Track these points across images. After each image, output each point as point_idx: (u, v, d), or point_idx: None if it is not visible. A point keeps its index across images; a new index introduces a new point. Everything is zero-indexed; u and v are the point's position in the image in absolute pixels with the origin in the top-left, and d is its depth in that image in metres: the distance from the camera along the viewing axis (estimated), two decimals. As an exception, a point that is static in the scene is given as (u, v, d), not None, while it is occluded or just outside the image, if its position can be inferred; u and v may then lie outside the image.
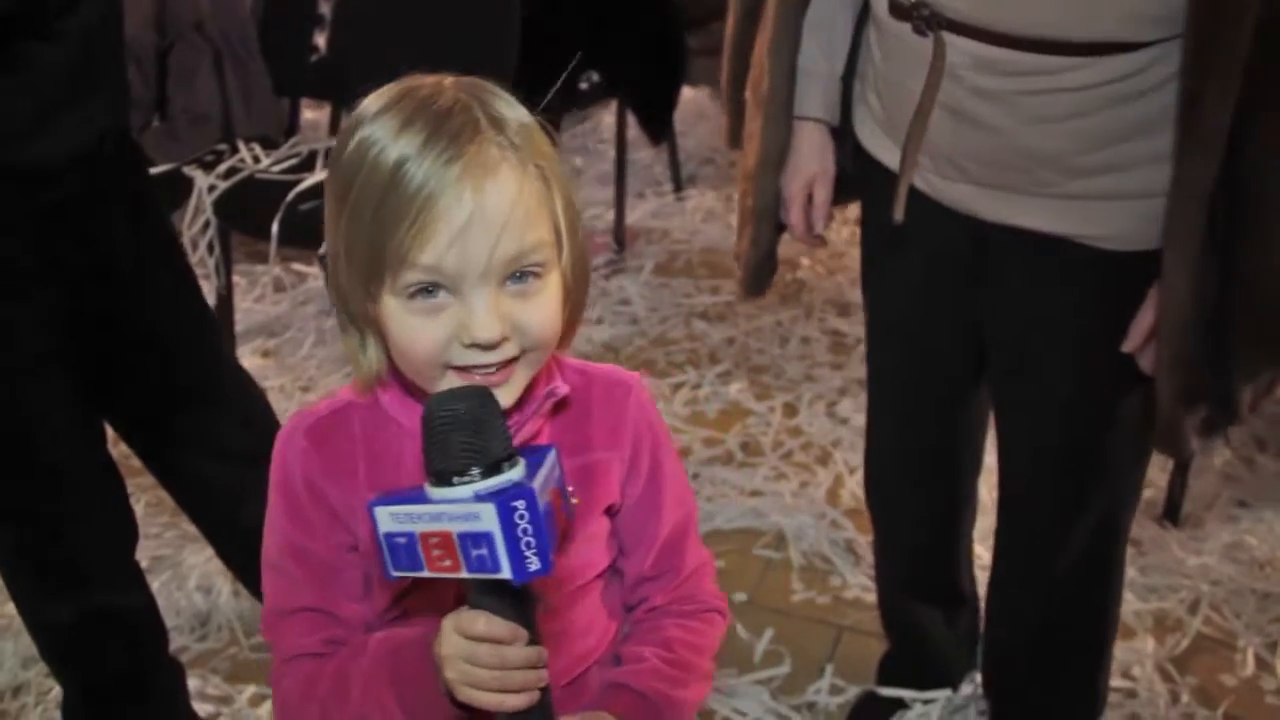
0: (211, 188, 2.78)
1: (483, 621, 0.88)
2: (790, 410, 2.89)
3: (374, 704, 0.97)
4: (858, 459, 2.65)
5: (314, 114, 4.09)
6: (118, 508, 1.73)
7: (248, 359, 3.03)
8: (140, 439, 1.82)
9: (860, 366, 3.03)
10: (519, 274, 0.92)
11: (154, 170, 2.80)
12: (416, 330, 0.92)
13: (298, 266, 3.45)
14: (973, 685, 1.98)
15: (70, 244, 1.56)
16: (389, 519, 0.86)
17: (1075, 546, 1.65)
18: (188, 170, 2.84)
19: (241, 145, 2.93)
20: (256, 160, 2.88)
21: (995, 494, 1.76)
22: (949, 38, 1.36)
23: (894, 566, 1.93)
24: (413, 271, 0.90)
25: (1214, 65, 1.25)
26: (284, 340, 3.17)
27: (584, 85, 3.45)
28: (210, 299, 2.88)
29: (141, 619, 1.78)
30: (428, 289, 0.91)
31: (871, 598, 2.22)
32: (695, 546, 1.14)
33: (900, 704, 1.96)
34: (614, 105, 3.71)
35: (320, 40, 3.36)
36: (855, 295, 3.42)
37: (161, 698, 1.83)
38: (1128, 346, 1.45)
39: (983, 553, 2.03)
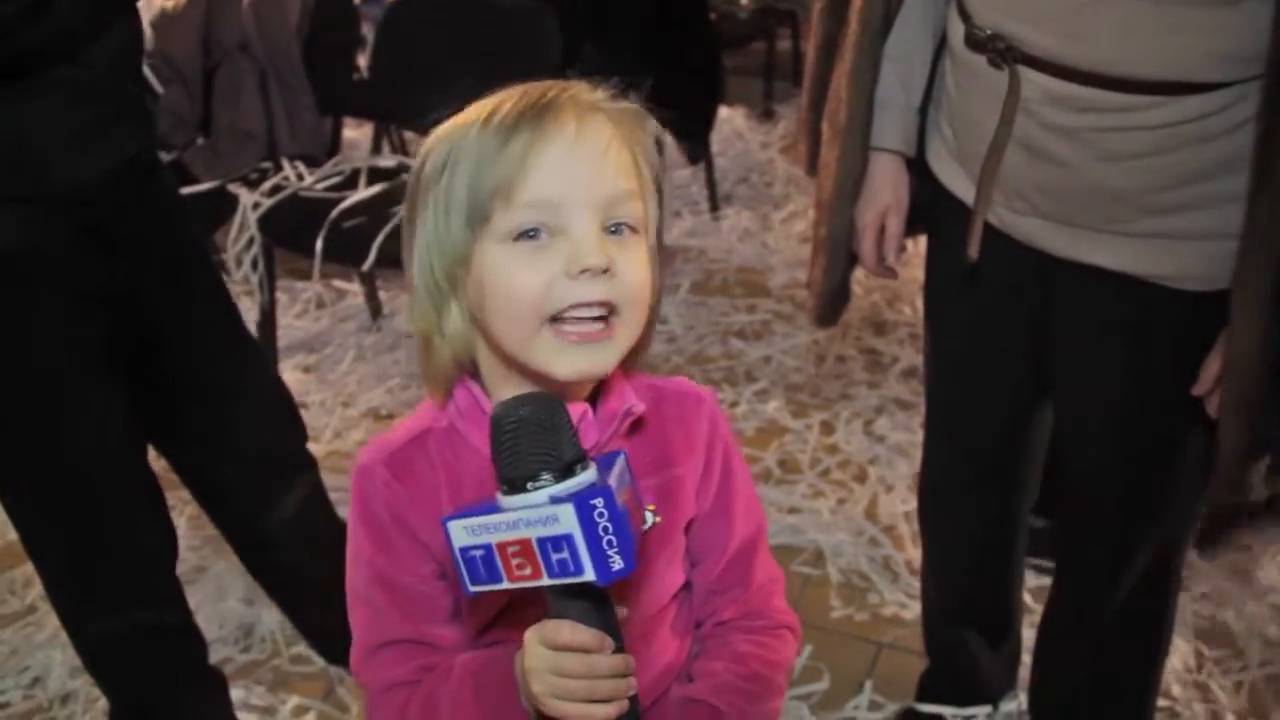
0: (256, 205, 2.82)
1: (567, 630, 0.86)
2: (827, 428, 2.90)
3: None
4: (895, 476, 2.66)
5: (354, 133, 4.14)
6: (159, 523, 1.75)
7: (289, 374, 3.07)
8: (162, 440, 1.83)
9: (897, 385, 3.05)
10: (615, 225, 0.94)
11: (199, 188, 2.87)
12: (521, 271, 0.92)
13: (339, 283, 3.49)
14: (1014, 703, 1.98)
15: (104, 263, 1.58)
16: (464, 533, 0.85)
17: (1130, 578, 1.65)
18: (232, 188, 2.88)
19: (285, 163, 2.97)
20: (300, 178, 2.91)
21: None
22: (1024, 72, 1.35)
23: (942, 591, 1.93)
24: (518, 209, 0.91)
25: None
26: (324, 356, 3.21)
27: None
28: (253, 315, 2.94)
29: (183, 631, 1.80)
30: (530, 232, 0.92)
31: (909, 615, 2.22)
32: (765, 561, 1.13)
33: (940, 720, 1.96)
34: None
35: (362, 61, 3.41)
36: (891, 314, 3.44)
37: (205, 708, 1.85)
38: (1197, 390, 1.43)
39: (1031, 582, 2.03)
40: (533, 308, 0.92)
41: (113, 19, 1.53)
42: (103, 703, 1.88)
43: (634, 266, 0.94)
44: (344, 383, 3.09)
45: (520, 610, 0.97)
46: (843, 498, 2.63)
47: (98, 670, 1.79)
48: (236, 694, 2.00)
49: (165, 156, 3.03)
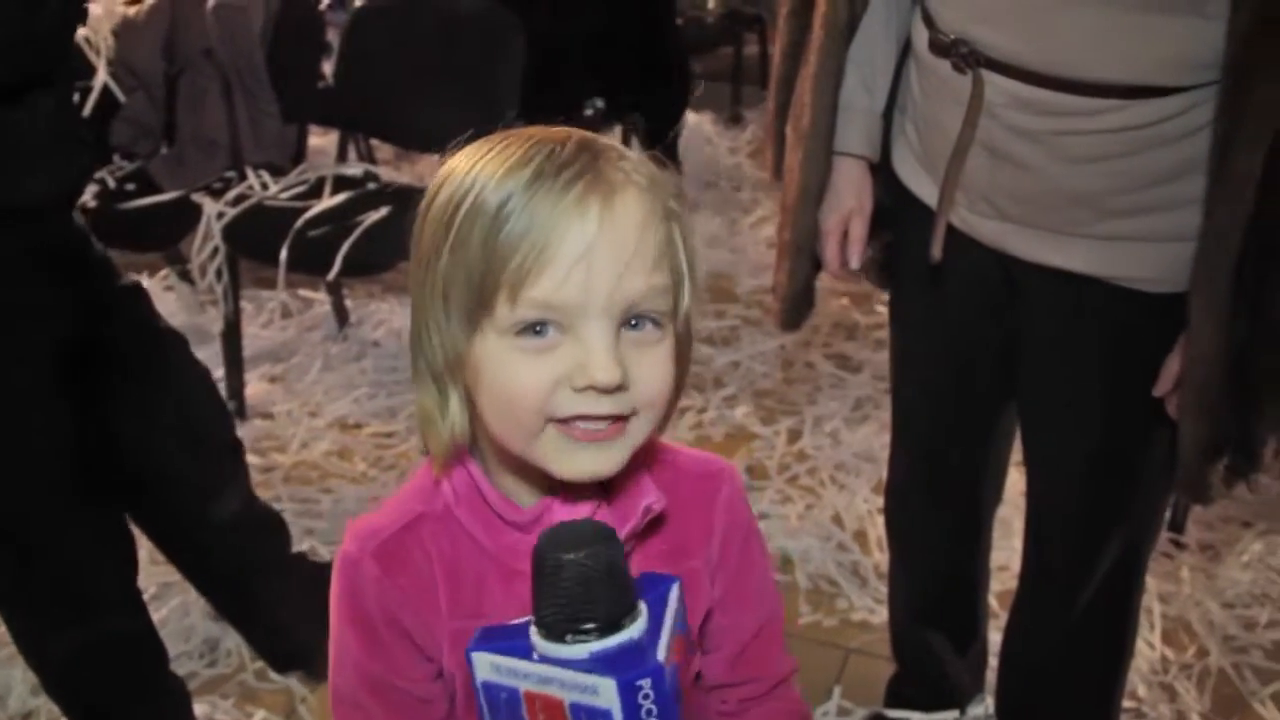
0: (220, 214, 2.80)
1: None
2: (794, 434, 2.90)
3: None
4: (862, 482, 2.67)
5: (321, 140, 4.11)
6: (116, 534, 1.74)
7: (254, 385, 3.05)
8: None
9: (864, 388, 3.06)
10: (637, 320, 0.82)
11: (163, 197, 2.85)
12: (522, 372, 0.81)
13: (305, 293, 3.47)
14: (981, 707, 1.98)
15: (52, 281, 1.59)
16: (489, 668, 0.76)
17: (1096, 578, 1.66)
18: (196, 197, 2.86)
19: (250, 172, 2.95)
20: (265, 187, 2.90)
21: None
22: (988, 76, 1.36)
23: (909, 595, 1.94)
24: (524, 305, 0.79)
25: (1246, 112, 1.25)
26: (291, 365, 3.19)
27: (589, 112, 3.48)
28: (218, 325, 2.92)
29: (144, 640, 1.79)
30: (536, 327, 0.80)
31: (877, 620, 2.23)
32: (781, 654, 1.04)
33: (908, 725, 1.97)
34: (617, 131, 3.73)
35: (327, 68, 3.39)
36: (860, 318, 3.45)
37: (167, 717, 1.84)
38: (1158, 391, 1.44)
39: (994, 584, 2.04)
40: (533, 411, 0.82)
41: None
42: (64, 720, 1.86)
43: (652, 372, 0.83)
44: (311, 392, 3.07)
45: None
46: (810, 503, 2.63)
47: (59, 688, 1.77)
48: (202, 709, 1.98)
49: (128, 166, 3.03)
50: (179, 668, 2.05)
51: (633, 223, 0.81)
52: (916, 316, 1.68)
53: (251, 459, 2.22)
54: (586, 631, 0.73)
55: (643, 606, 0.76)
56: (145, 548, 2.32)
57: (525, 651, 0.75)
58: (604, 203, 0.80)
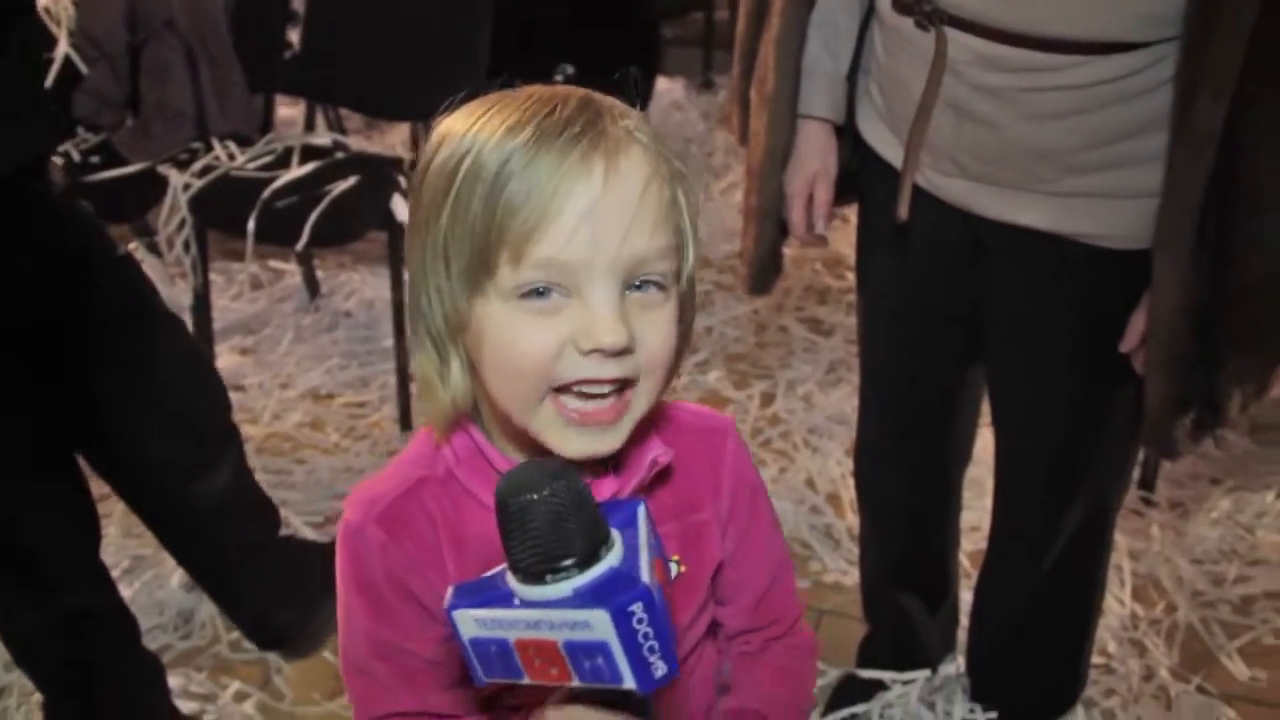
0: (187, 186, 2.77)
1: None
2: (768, 398, 2.91)
3: None
4: (835, 445, 2.68)
5: (289, 110, 4.07)
6: (79, 508, 1.73)
7: (225, 357, 3.03)
8: (80, 434, 1.81)
9: (837, 352, 3.07)
10: (641, 282, 0.81)
11: (128, 169, 2.82)
12: (525, 335, 0.80)
13: (275, 264, 3.45)
14: (953, 666, 2.00)
15: (13, 248, 1.57)
16: (473, 624, 0.73)
17: (1064, 536, 1.67)
18: (162, 169, 2.83)
19: (216, 143, 2.92)
20: (232, 158, 2.87)
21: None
22: (951, 33, 1.36)
23: (879, 556, 1.95)
24: (528, 266, 0.78)
25: (1207, 67, 1.26)
26: (262, 338, 3.17)
27: (559, 78, 3.44)
28: (187, 298, 2.90)
29: (113, 613, 1.79)
30: (540, 289, 0.79)
31: (850, 581, 2.24)
32: (794, 595, 1.07)
33: (881, 685, 1.98)
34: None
35: (294, 36, 3.36)
36: (832, 281, 3.45)
37: (142, 692, 1.84)
38: (1124, 346, 1.46)
39: (965, 544, 2.06)
40: (537, 375, 0.80)
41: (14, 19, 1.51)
42: (38, 696, 1.85)
43: (656, 334, 0.82)
44: (282, 364, 3.05)
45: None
46: (784, 467, 2.64)
47: (30, 662, 1.77)
48: (176, 681, 1.98)
49: (93, 138, 2.99)
50: (152, 641, 2.05)
51: (638, 181, 0.80)
52: (883, 277, 1.69)
53: (223, 431, 2.22)
54: (565, 569, 0.71)
55: (616, 533, 0.75)
56: (118, 524, 2.32)
57: (506, 600, 0.73)
58: (609, 160, 0.78)
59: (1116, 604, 2.23)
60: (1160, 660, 2.11)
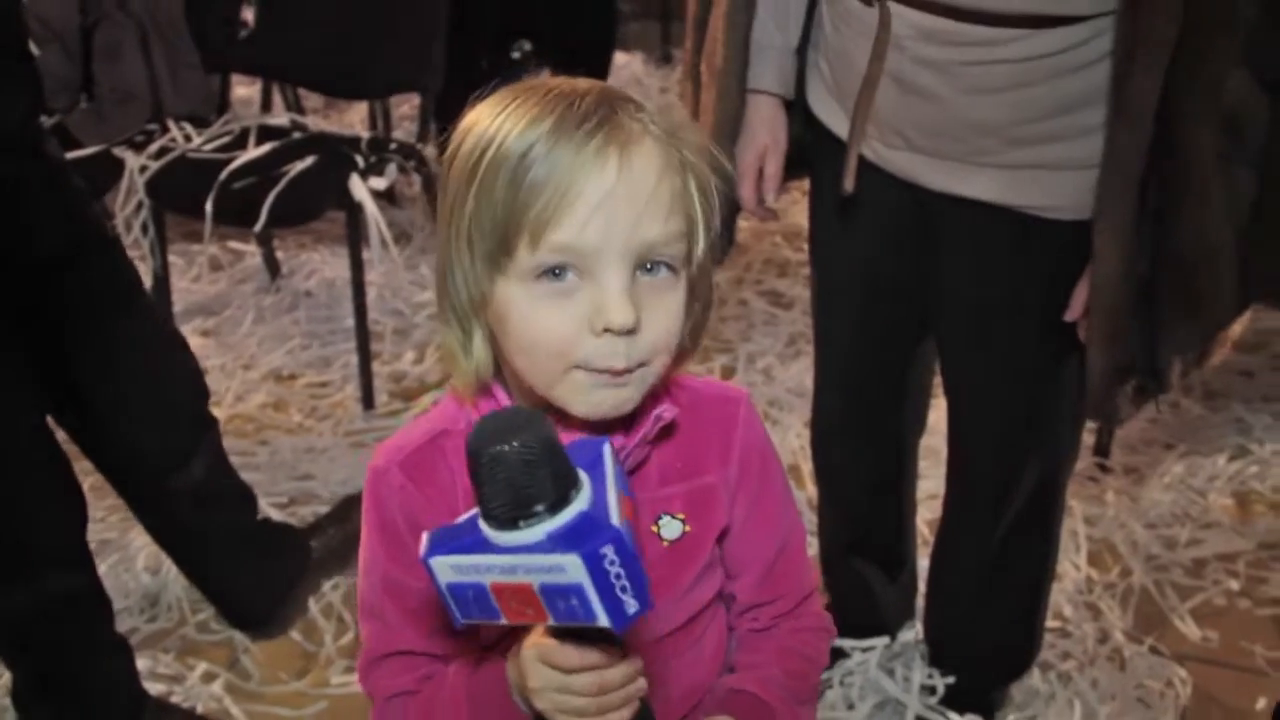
0: (143, 168, 2.76)
1: (575, 655, 0.82)
2: (728, 372, 2.93)
3: None
4: (795, 418, 2.71)
5: (248, 90, 4.05)
6: (66, 489, 1.74)
7: (187, 339, 3.02)
8: (61, 412, 1.82)
9: (796, 325, 3.09)
10: (652, 264, 0.87)
11: (83, 152, 2.80)
12: (544, 317, 0.86)
13: (234, 245, 3.44)
14: (912, 633, 2.04)
15: (13, 227, 1.57)
16: (450, 570, 0.76)
17: (1016, 502, 1.71)
18: (118, 151, 2.81)
19: (172, 124, 2.90)
20: (188, 139, 2.85)
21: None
22: (894, 8, 1.39)
23: (838, 526, 1.98)
24: (545, 249, 0.84)
25: (1143, 39, 1.29)
26: (223, 319, 3.17)
27: (516, 54, 3.45)
28: (147, 280, 2.88)
29: (92, 597, 1.80)
30: (556, 271, 0.85)
31: (812, 552, 2.27)
32: (805, 570, 1.09)
33: (841, 653, 2.01)
34: (546, 74, 3.71)
35: (249, 15, 3.33)
36: (792, 254, 3.47)
37: (111, 676, 1.85)
38: (1069, 315, 1.49)
39: (924, 512, 2.09)
40: (557, 354, 0.86)
41: None
42: (5, 679, 1.86)
43: (662, 317, 0.87)
44: (244, 345, 3.05)
45: None
46: (745, 440, 2.66)
47: (5, 645, 1.77)
48: (143, 663, 1.99)
49: (47, 121, 2.97)
50: (119, 624, 2.04)
51: (650, 171, 0.85)
52: (834, 249, 1.72)
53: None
54: (538, 514, 0.74)
55: (584, 475, 0.77)
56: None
57: (481, 546, 0.76)
58: (622, 152, 0.84)
59: (1072, 569, 2.27)
60: (1115, 623, 2.16)
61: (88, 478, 2.34)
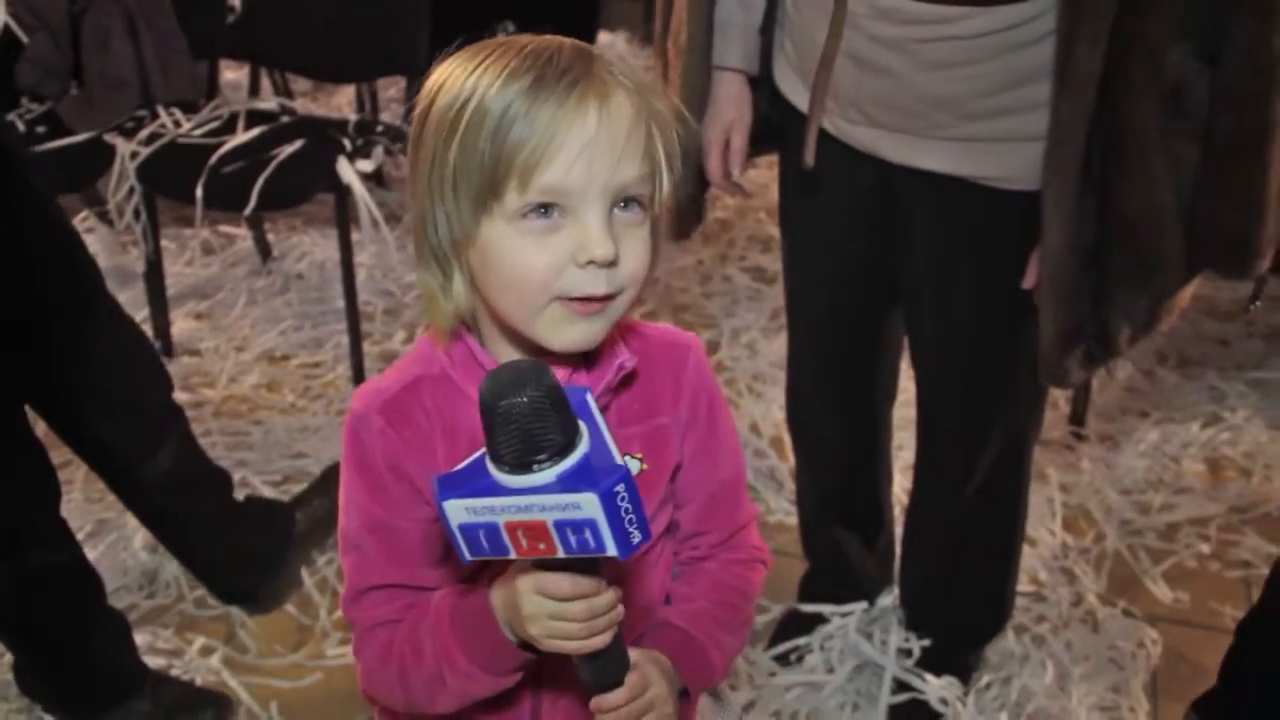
0: (134, 154, 2.80)
1: (568, 583, 0.88)
2: (713, 346, 2.98)
3: (446, 661, 0.99)
4: (777, 391, 2.75)
5: (237, 74, 4.08)
6: (37, 465, 1.78)
7: (180, 323, 3.07)
8: (34, 402, 1.84)
9: (779, 299, 3.13)
10: (627, 201, 0.94)
11: (74, 139, 2.84)
12: (529, 253, 0.92)
13: (226, 229, 3.48)
14: (890, 597, 2.09)
15: None
16: (463, 512, 0.83)
17: (984, 466, 1.76)
18: (108, 138, 2.85)
19: (161, 110, 2.93)
20: (178, 125, 2.89)
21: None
22: None
23: (815, 493, 2.04)
24: (534, 190, 0.91)
25: (1085, 13, 1.34)
26: (216, 302, 3.21)
27: (500, 34, 3.47)
28: (140, 265, 2.93)
29: (75, 571, 1.84)
30: (543, 209, 0.92)
31: (793, 521, 2.32)
32: (744, 501, 1.16)
33: (821, 618, 2.07)
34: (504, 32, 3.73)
35: (235, 1, 3.36)
36: (775, 231, 3.50)
37: (109, 649, 1.89)
38: (1025, 283, 1.54)
39: (903, 481, 2.15)
40: (541, 287, 0.93)
41: None
42: (8, 657, 1.91)
43: (636, 251, 0.95)
44: (237, 327, 3.10)
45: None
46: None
47: None
48: (143, 639, 2.04)
49: (37, 108, 3.00)
50: (118, 601, 2.11)
51: (624, 119, 0.93)
52: (801, 223, 1.77)
53: (181, 395, 2.27)
54: (547, 458, 0.81)
55: (583, 425, 0.84)
56: (80, 488, 2.37)
57: (495, 489, 0.82)
58: (601, 102, 0.92)
59: (1048, 534, 2.33)
60: (1089, 586, 2.21)
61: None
